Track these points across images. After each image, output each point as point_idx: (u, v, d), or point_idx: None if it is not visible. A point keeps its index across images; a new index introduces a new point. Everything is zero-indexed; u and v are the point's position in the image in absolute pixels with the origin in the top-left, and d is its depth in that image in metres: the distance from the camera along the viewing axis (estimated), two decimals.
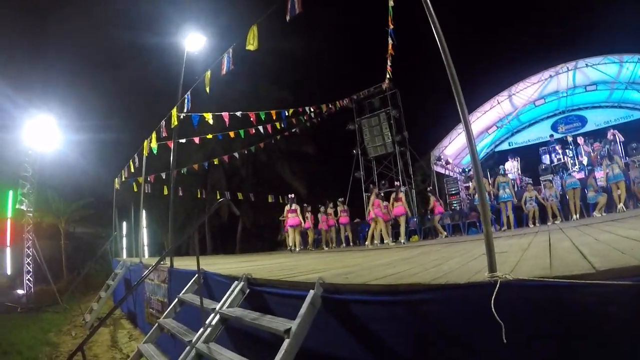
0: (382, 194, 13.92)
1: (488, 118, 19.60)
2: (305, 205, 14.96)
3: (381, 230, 12.05)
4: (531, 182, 14.53)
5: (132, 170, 11.95)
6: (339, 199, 15.13)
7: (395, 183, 14.02)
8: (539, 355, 1.95)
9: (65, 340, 8.75)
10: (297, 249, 13.06)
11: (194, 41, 9.96)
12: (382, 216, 12.09)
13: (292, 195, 13.97)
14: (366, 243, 12.19)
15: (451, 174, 20.48)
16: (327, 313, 2.94)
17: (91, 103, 22.10)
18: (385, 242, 11.96)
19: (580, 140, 16.49)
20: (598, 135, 16.98)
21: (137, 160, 11.47)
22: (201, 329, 3.75)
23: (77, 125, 19.15)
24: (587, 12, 25.31)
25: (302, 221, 13.73)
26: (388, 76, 16.48)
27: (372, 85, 20.17)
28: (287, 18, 5.83)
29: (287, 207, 13.60)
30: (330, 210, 14.74)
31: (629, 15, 20.97)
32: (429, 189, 15.75)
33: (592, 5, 24.20)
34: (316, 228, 14.98)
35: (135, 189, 14.22)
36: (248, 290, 3.94)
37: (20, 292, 13.51)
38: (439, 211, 13.68)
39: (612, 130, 15.56)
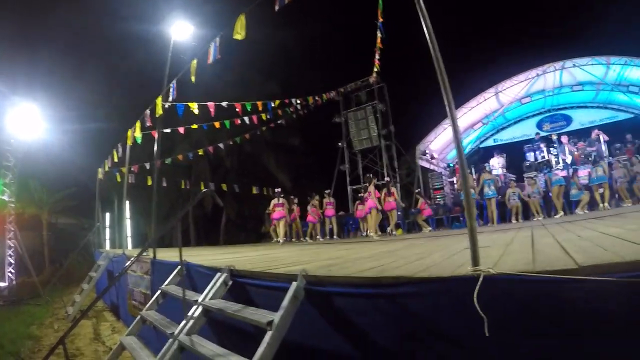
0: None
1: (474, 114, 19.70)
2: (292, 197, 15.06)
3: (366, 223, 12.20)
4: (514, 178, 14.67)
5: (116, 160, 11.80)
6: (326, 191, 15.17)
7: (386, 178, 14.09)
8: (522, 348, 1.96)
9: (48, 334, 8.62)
10: (281, 241, 13.20)
11: (180, 30, 9.84)
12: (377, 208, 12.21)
13: (279, 190, 14.25)
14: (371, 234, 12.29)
15: (436, 168, 20.55)
16: (310, 305, 2.93)
17: (75, 91, 21.70)
18: (370, 234, 12.07)
19: (564, 139, 16.67)
20: (582, 134, 17.21)
21: (120, 150, 11.33)
22: (183, 321, 3.71)
23: (61, 114, 18.81)
24: (577, 13, 25.61)
25: (288, 214, 13.95)
26: (376, 70, 16.48)
27: (360, 79, 20.22)
28: (276, 7, 5.78)
29: (273, 201, 13.79)
30: (315, 202, 14.77)
31: (618, 18, 21.32)
32: (417, 190, 15.89)
33: (586, 7, 24.49)
34: (304, 220, 15.02)
35: (119, 180, 14.05)
36: (231, 282, 3.90)
37: (1, 284, 13.27)
38: (428, 213, 13.84)
39: (596, 130, 15.79)
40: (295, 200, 14.95)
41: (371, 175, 14.25)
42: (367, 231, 12.87)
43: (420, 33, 2.88)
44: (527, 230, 6.52)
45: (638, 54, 14.84)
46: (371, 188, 12.34)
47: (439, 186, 18.90)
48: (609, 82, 16.59)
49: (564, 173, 14.67)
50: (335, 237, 14.58)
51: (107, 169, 13.16)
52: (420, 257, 3.70)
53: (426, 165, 19.97)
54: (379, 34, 12.93)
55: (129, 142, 10.08)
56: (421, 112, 25.40)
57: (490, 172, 13.11)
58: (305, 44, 29.57)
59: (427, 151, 19.78)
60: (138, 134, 9.52)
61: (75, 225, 22.54)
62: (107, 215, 16.74)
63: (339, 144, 21.20)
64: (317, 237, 14.66)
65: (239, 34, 6.12)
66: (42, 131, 15.32)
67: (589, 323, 1.80)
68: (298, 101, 16.52)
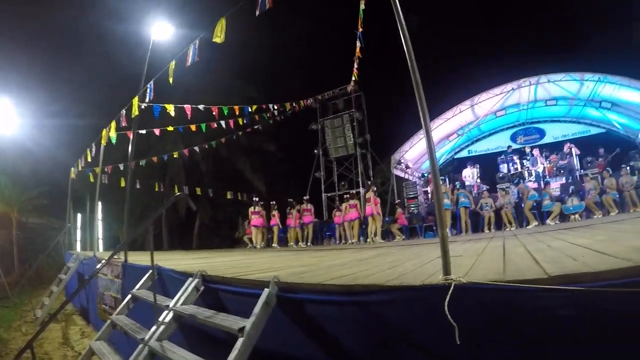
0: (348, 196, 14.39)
1: (450, 125, 19.91)
2: (272, 202, 15.22)
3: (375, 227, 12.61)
4: (487, 188, 14.92)
5: (89, 159, 11.59)
6: (304, 197, 15.23)
7: (374, 188, 14.31)
8: (492, 356, 1.98)
9: (16, 337, 8.38)
10: (258, 246, 13.73)
11: (160, 30, 9.72)
12: (379, 213, 12.64)
13: (257, 199, 14.97)
14: (368, 240, 12.67)
15: (410, 178, 20.69)
16: (282, 312, 2.92)
17: (51, 87, 21.29)
18: (351, 241, 12.56)
19: (535, 152, 17.08)
20: (555, 147, 17.62)
21: (94, 149, 11.13)
22: (154, 327, 3.65)
23: (33, 109, 18.42)
24: (553, 30, 26.35)
25: (266, 221, 14.61)
26: (354, 78, 16.56)
27: (338, 87, 20.28)
28: (257, 12, 5.77)
29: (251, 209, 14.56)
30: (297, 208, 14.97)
31: (593, 35, 22.02)
32: (397, 201, 16.11)
33: (562, 23, 25.22)
34: (284, 225, 15.19)
35: (92, 180, 13.78)
36: (202, 288, 3.87)
37: None
38: (402, 223, 14.00)
39: (568, 144, 16.20)
40: (276, 207, 15.06)
41: (369, 182, 14.51)
42: (350, 238, 13.29)
43: (399, 44, 2.92)
44: (500, 240, 6.60)
45: (612, 71, 15.34)
46: (370, 194, 12.73)
47: (413, 195, 19.03)
48: (583, 97, 17.02)
49: (536, 185, 15.07)
50: (309, 244, 14.60)
51: (80, 168, 12.89)
52: (392, 265, 3.72)
53: (401, 174, 20.09)
54: (358, 44, 13.00)
55: (103, 142, 9.91)
56: (397, 121, 25.77)
57: (459, 188, 13.48)
58: (285, 50, 29.67)
59: (402, 160, 19.89)
60: (113, 134, 9.37)
61: (45, 225, 21.88)
62: (79, 216, 16.41)
63: (315, 151, 21.22)
64: (291, 243, 14.80)
65: (219, 37, 6.10)
66: (14, 126, 14.95)
67: (553, 332, 1.84)
68: (275, 107, 16.52)
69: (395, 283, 2.42)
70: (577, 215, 11.79)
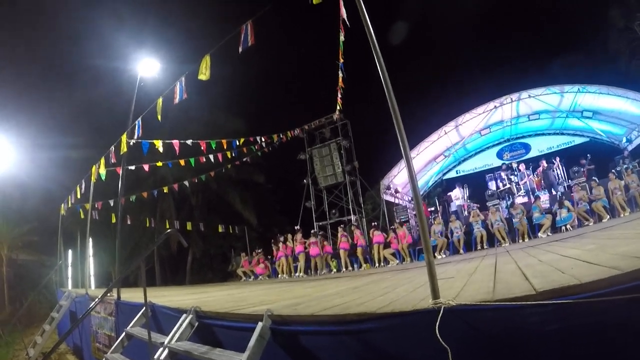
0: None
1: (436, 147, 20.00)
2: (278, 235, 15.89)
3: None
4: (477, 207, 15.00)
5: (79, 196, 11.56)
6: (312, 230, 15.57)
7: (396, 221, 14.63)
8: None
9: None
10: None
11: (147, 66, 9.79)
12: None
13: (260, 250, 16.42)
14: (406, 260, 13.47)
15: (401, 202, 20.65)
16: (277, 345, 2.92)
17: (42, 123, 21.31)
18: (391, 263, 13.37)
19: (521, 167, 17.27)
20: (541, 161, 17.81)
21: (84, 185, 11.12)
22: None
23: (22, 145, 18.32)
24: (531, 45, 26.99)
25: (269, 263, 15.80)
26: (339, 107, 16.72)
27: (324, 116, 20.32)
28: (240, 49, 5.88)
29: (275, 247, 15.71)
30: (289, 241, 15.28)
31: (570, 47, 22.57)
32: (392, 227, 16.21)
33: (539, 40, 25.83)
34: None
35: (82, 216, 13.69)
36: (197, 323, 3.86)
37: None
38: (395, 247, 13.99)
39: (542, 161, 16.49)
40: (281, 239, 15.39)
41: (397, 219, 15.04)
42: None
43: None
44: (492, 258, 6.63)
45: (590, 80, 15.75)
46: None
47: (404, 219, 18.96)
48: (564, 109, 17.26)
49: (525, 199, 15.18)
50: (301, 273, 14.56)
51: (70, 204, 12.82)
52: (385, 291, 3.74)
53: (391, 199, 19.99)
54: (340, 74, 13.18)
55: (93, 179, 9.92)
56: (384, 147, 26.02)
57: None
58: (270, 82, 30.07)
59: (391, 185, 19.80)
60: (102, 171, 9.38)
61: (36, 262, 21.56)
62: (70, 252, 16.25)
63: (304, 180, 21.18)
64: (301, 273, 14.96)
65: (204, 74, 6.17)
66: (5, 162, 14.86)
67: (546, 346, 1.86)
68: (263, 139, 16.63)
69: (387, 310, 2.44)
70: (568, 225, 11.86)
